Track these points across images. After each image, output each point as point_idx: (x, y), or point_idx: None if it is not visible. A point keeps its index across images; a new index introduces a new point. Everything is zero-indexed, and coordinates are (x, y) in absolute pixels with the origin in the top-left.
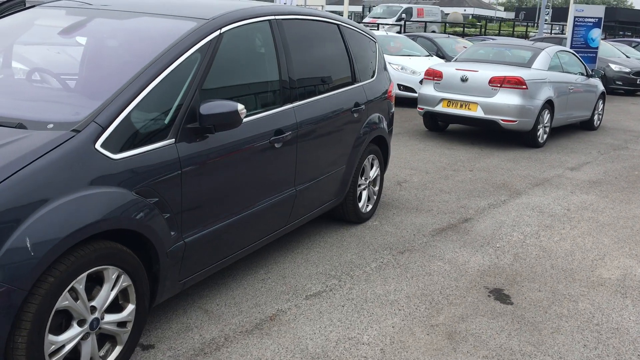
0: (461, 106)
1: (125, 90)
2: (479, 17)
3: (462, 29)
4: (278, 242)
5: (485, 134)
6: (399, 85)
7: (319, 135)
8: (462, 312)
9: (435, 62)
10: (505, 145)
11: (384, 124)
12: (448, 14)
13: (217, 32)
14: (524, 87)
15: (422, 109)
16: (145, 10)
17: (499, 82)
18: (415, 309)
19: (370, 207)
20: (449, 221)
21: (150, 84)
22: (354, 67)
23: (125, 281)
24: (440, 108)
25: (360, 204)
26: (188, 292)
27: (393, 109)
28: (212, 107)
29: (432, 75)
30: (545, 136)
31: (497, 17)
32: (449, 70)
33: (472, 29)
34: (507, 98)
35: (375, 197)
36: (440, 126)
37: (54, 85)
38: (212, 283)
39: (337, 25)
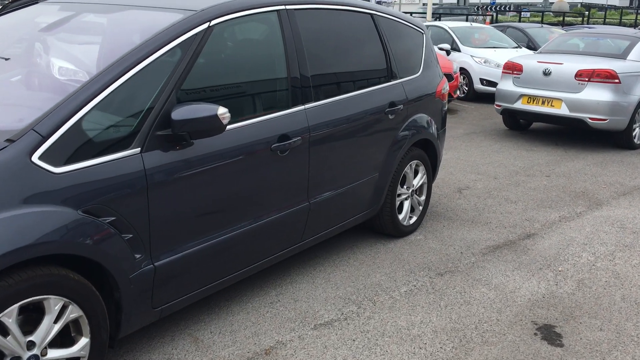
0: (543, 103)
1: (78, 93)
2: (588, 6)
3: (561, 18)
4: (300, 258)
5: (572, 134)
6: (481, 80)
7: (340, 139)
8: (496, 355)
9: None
10: (595, 146)
11: (432, 126)
12: (552, 2)
13: (205, 25)
14: (617, 81)
15: (499, 106)
16: (136, 4)
17: (586, 76)
18: (440, 347)
19: (414, 219)
20: (508, 237)
21: (112, 84)
22: (390, 62)
23: (74, 312)
24: (520, 105)
25: (400, 216)
26: (182, 315)
27: (445, 108)
28: (186, 111)
29: (511, 68)
30: None
31: (609, 5)
32: (530, 63)
33: (579, 18)
34: (596, 94)
35: (420, 207)
36: (521, 125)
37: (9, 87)
38: (212, 305)
39: (371, 14)
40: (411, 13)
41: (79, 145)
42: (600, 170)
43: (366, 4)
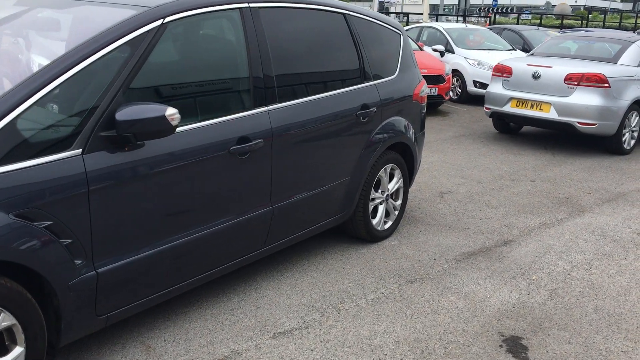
0: (532, 106)
1: (15, 90)
2: (590, 9)
3: (560, 21)
4: (269, 262)
5: (563, 138)
6: (474, 82)
7: (307, 142)
8: None
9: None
10: (584, 151)
11: (409, 129)
12: (555, 5)
13: (158, 22)
14: (606, 85)
15: (489, 109)
16: None
17: (576, 80)
18: (401, 359)
19: (389, 224)
20: (484, 243)
21: (53, 82)
22: (364, 64)
23: (6, 320)
24: (509, 108)
25: (374, 221)
26: (136, 322)
27: (424, 111)
28: (132, 111)
29: (501, 71)
30: (633, 142)
31: (612, 8)
32: (520, 65)
33: (579, 21)
34: (585, 98)
35: (396, 212)
36: (511, 128)
37: None
38: (169, 311)
39: (344, 14)
40: (406, 14)
41: (13, 146)
42: (587, 175)
43: (339, 3)
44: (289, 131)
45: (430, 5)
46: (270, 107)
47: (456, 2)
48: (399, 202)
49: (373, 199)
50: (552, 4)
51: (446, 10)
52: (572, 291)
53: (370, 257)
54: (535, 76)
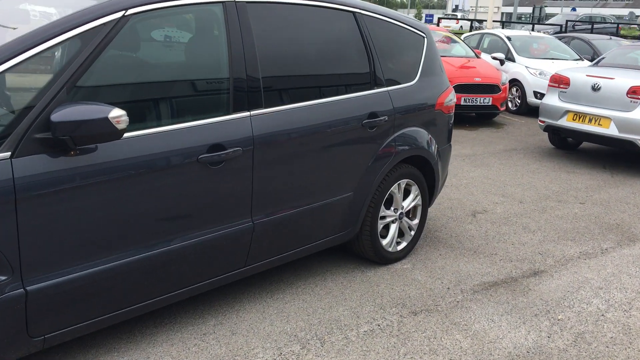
0: (590, 121)
1: None
2: None
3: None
4: (259, 281)
5: (627, 157)
6: (534, 93)
7: (299, 152)
8: None
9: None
10: None
11: (429, 141)
12: (638, 15)
13: (119, 14)
14: None
15: (543, 122)
16: None
17: None
18: None
19: (403, 245)
20: (510, 273)
21: None
22: (374, 68)
23: None
24: (564, 122)
25: (384, 241)
26: (97, 342)
27: (451, 122)
28: (70, 112)
29: (558, 81)
30: None
31: None
32: (578, 76)
33: None
34: None
35: (412, 232)
36: (569, 144)
37: None
38: (136, 332)
39: (353, 12)
40: (479, 21)
41: None
42: None
43: (349, 1)
44: (276, 140)
45: (503, 13)
46: (253, 112)
47: (530, 11)
48: (416, 221)
49: (383, 217)
50: (637, 14)
51: (523, 18)
52: (603, 337)
53: (376, 281)
54: (595, 88)
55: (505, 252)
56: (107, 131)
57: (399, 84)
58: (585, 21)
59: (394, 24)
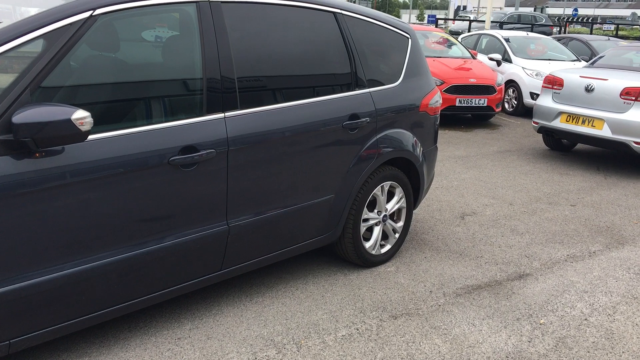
0: (583, 122)
1: None
2: None
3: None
4: (240, 284)
5: (622, 158)
6: (531, 94)
7: (277, 154)
8: None
9: None
10: None
11: (413, 143)
12: None
13: (86, 14)
14: None
15: (537, 123)
16: None
17: (634, 95)
18: None
19: (387, 247)
20: (495, 276)
21: None
22: (356, 69)
23: None
24: (558, 123)
25: (367, 244)
26: (70, 345)
27: (436, 123)
28: (32, 113)
29: (552, 82)
30: None
31: None
32: (572, 77)
33: None
34: None
35: (397, 235)
36: (564, 145)
37: None
38: (110, 336)
39: (334, 13)
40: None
41: None
42: (639, 202)
43: (329, 0)
44: (252, 142)
45: (505, 14)
46: (228, 114)
47: (532, 12)
48: (401, 223)
49: (366, 220)
50: (639, 15)
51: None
52: (585, 341)
53: (358, 284)
54: (589, 89)
55: (492, 255)
56: (70, 133)
57: (382, 85)
58: (511, 22)
59: (377, 24)
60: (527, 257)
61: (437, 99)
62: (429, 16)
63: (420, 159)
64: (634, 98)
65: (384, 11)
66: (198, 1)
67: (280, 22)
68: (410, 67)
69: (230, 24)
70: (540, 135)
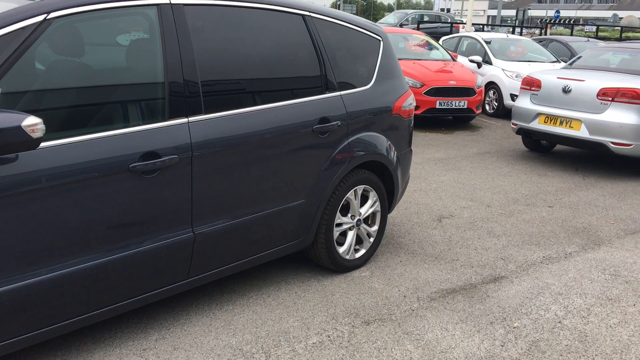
0: (561, 123)
1: None
2: None
3: (618, 35)
4: (210, 291)
5: (601, 159)
6: (511, 96)
7: (244, 160)
8: None
9: None
10: (621, 174)
11: (386, 146)
12: (622, 18)
13: (39, 18)
14: None
15: (515, 124)
16: None
17: (610, 95)
18: None
19: (361, 252)
20: (470, 279)
21: None
22: (326, 72)
23: None
24: (536, 125)
25: (341, 249)
26: (29, 355)
27: (411, 125)
28: None
29: (529, 84)
30: None
31: None
32: (549, 78)
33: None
34: (620, 116)
35: (371, 239)
36: (543, 146)
37: None
38: (73, 348)
39: (303, 15)
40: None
41: None
42: (616, 202)
43: (297, 3)
44: (218, 147)
45: (489, 16)
46: (191, 119)
47: (514, 14)
48: (375, 227)
49: (340, 224)
50: (620, 16)
51: (509, 21)
52: (558, 345)
53: (331, 290)
54: (566, 90)
55: (467, 258)
56: (21, 140)
57: (354, 88)
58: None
59: (348, 27)
60: (502, 259)
61: (410, 102)
62: None
63: (394, 162)
64: (610, 98)
65: (369, 14)
66: (159, 4)
67: (247, 25)
68: (382, 69)
69: (194, 27)
70: (519, 137)
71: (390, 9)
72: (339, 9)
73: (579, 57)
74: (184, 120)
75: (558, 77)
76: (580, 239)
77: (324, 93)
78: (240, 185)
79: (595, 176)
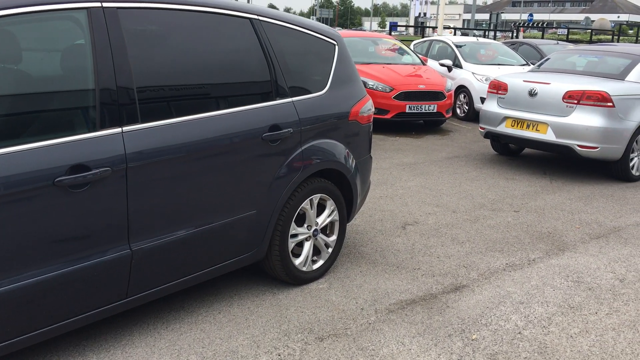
0: (528, 127)
1: None
2: (633, 25)
3: (589, 37)
4: (158, 309)
5: (569, 162)
6: (481, 99)
7: (187, 171)
8: None
9: None
10: (588, 177)
11: (344, 154)
12: (594, 20)
13: None
14: (610, 104)
15: (483, 128)
16: None
17: (576, 98)
18: None
19: (320, 263)
20: (430, 289)
21: None
22: (276, 77)
23: None
24: (503, 128)
25: (297, 260)
26: None
27: (369, 131)
28: None
29: (496, 87)
30: None
31: None
32: (516, 82)
33: (609, 36)
34: (586, 118)
35: (330, 250)
36: (511, 150)
37: None
38: None
39: (250, 19)
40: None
41: None
42: (582, 205)
43: (244, 6)
44: (156, 158)
45: (464, 20)
46: (126, 128)
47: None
48: (333, 237)
49: (295, 235)
50: (592, 19)
51: (484, 25)
52: (517, 357)
53: (286, 304)
54: (532, 93)
55: (429, 267)
56: None
57: (307, 93)
58: None
59: (300, 31)
60: (465, 267)
61: (369, 107)
62: (391, 23)
63: (352, 170)
64: (576, 101)
65: (346, 19)
66: (89, 7)
67: (190, 29)
68: (337, 74)
69: (130, 32)
70: (489, 141)
71: (367, 13)
72: (314, 13)
73: (546, 60)
74: (118, 130)
75: (524, 81)
76: (545, 244)
77: (275, 99)
78: (182, 198)
79: (562, 179)
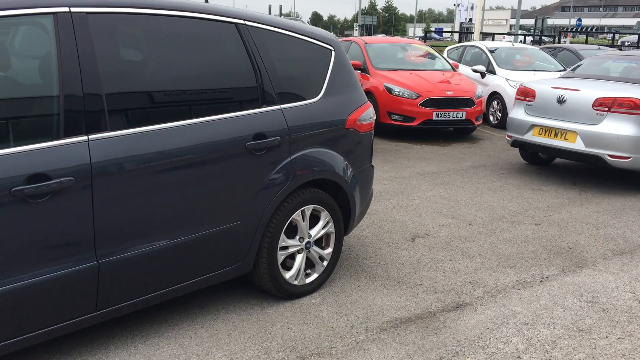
0: (556, 135)
1: None
2: None
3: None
4: (140, 322)
5: (601, 172)
6: None
7: (160, 181)
8: None
9: None
10: (622, 189)
11: (339, 163)
12: None
13: None
14: None
15: (510, 137)
16: None
17: (606, 105)
18: None
19: (313, 277)
20: (429, 307)
21: None
22: (263, 84)
23: None
24: (531, 137)
25: (288, 274)
26: None
27: (370, 140)
28: None
29: (524, 94)
30: None
31: None
32: (544, 88)
33: None
34: (617, 127)
35: (325, 263)
36: (541, 159)
37: None
38: None
39: (236, 24)
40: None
41: None
42: (610, 219)
43: (230, 11)
44: (125, 168)
45: (511, 25)
46: (92, 137)
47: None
48: (329, 250)
49: (285, 247)
50: None
51: (531, 30)
52: None
53: (273, 320)
54: (561, 100)
55: (432, 283)
56: None
57: (298, 100)
58: None
59: (292, 36)
60: (471, 284)
61: (369, 115)
62: (435, 29)
63: (349, 180)
64: (607, 109)
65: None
66: (56, 12)
67: (167, 35)
68: (333, 81)
69: (101, 37)
70: (517, 150)
71: (412, 20)
72: (357, 20)
73: (579, 65)
74: (83, 138)
75: (553, 87)
76: (562, 260)
77: (261, 107)
78: (156, 209)
79: (593, 191)
